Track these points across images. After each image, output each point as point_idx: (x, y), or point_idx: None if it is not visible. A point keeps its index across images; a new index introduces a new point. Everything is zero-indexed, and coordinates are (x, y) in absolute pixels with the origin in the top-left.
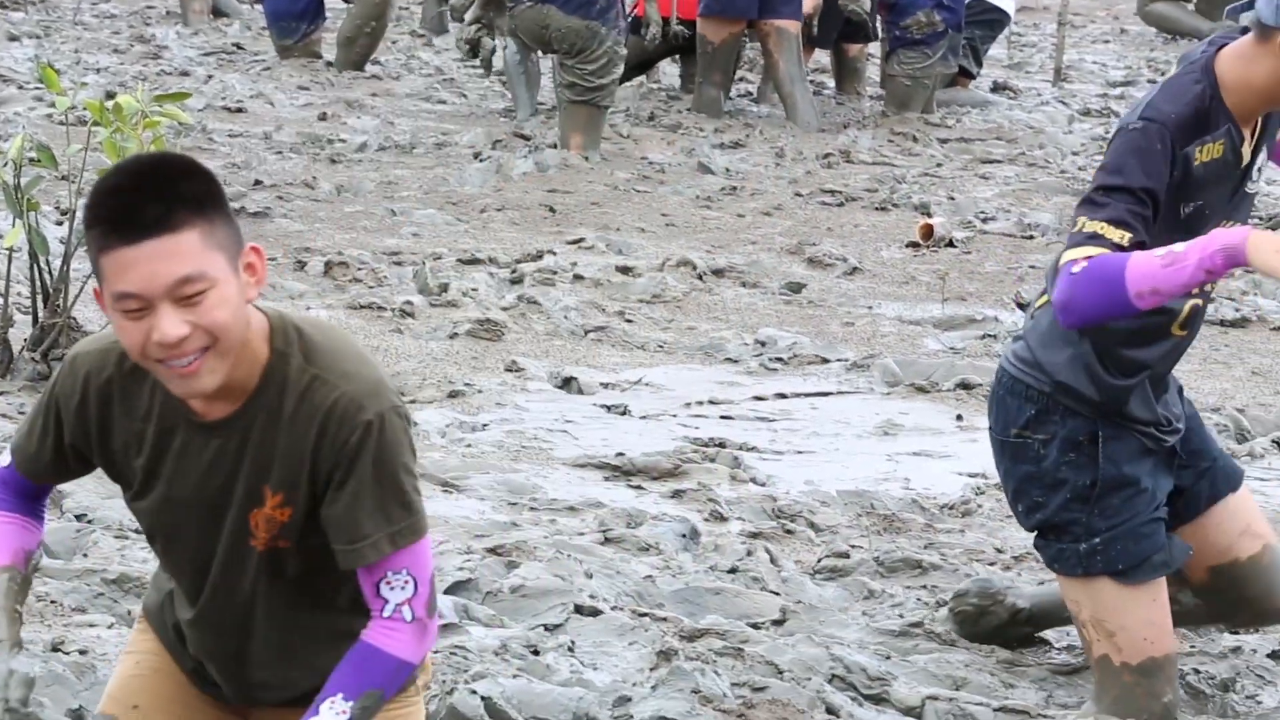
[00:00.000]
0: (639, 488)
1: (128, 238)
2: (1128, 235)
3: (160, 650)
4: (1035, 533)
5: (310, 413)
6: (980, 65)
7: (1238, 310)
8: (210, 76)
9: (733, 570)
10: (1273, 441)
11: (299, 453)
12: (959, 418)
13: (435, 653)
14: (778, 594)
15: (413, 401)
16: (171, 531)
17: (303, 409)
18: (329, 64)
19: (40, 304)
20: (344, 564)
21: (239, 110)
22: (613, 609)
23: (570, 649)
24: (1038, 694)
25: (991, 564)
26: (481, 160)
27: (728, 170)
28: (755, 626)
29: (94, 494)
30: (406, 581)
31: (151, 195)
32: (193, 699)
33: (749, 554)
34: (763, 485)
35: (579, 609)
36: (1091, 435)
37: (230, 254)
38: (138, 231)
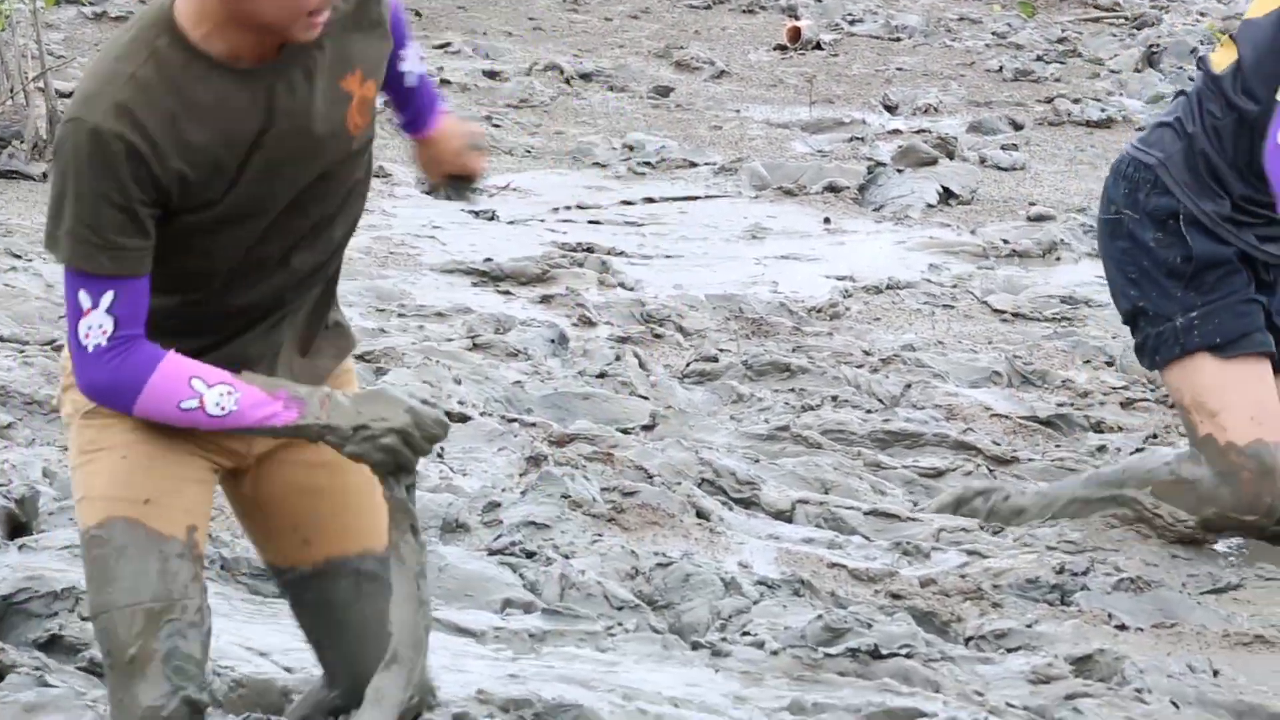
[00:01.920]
0: (507, 293)
1: None
2: None
3: (148, 434)
4: (1131, 327)
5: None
6: None
7: (1103, 111)
8: None
9: (602, 375)
10: None
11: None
12: (827, 220)
13: None
14: (646, 398)
15: None
16: (263, 201)
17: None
18: None
19: None
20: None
21: None
22: (481, 415)
23: (439, 455)
24: (905, 498)
25: (859, 366)
26: None
27: None
28: (624, 431)
29: None
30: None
31: None
32: (201, 471)
33: (618, 359)
34: (631, 290)
35: (448, 415)
36: (1174, 214)
37: None
38: None
